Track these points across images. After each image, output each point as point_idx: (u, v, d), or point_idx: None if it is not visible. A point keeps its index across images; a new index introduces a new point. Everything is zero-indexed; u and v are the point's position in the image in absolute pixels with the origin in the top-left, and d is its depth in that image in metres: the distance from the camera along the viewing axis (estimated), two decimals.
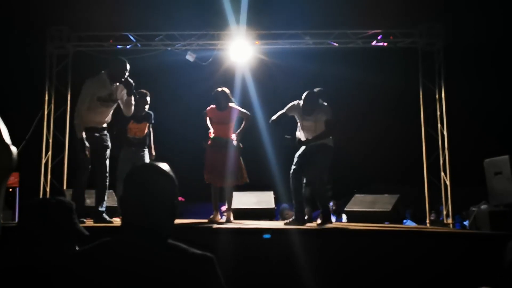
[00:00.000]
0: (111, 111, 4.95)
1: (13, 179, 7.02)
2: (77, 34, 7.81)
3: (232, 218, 5.35)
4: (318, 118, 4.99)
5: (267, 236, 3.81)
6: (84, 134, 4.60)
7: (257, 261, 3.76)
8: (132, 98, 4.88)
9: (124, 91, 4.82)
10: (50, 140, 7.50)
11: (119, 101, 4.90)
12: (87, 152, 4.60)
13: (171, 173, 1.50)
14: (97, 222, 4.80)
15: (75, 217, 1.91)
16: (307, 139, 5.05)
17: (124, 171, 5.58)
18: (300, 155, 5.08)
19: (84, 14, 8.01)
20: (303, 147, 5.10)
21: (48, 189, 7.28)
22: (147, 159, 5.77)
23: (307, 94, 5.03)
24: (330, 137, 5.05)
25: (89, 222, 4.83)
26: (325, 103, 5.08)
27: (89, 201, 6.23)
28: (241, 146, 5.33)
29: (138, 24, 8.07)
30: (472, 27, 9.01)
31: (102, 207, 4.90)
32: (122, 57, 4.84)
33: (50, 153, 7.48)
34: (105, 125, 4.87)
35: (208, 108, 5.38)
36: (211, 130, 5.30)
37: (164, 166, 1.51)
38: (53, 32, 7.71)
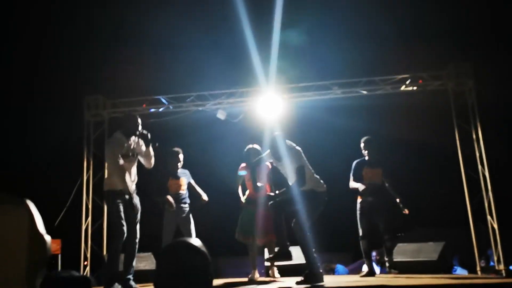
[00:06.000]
0: (135, 169, 5.03)
1: (55, 246, 7.14)
2: (111, 101, 8.12)
3: (277, 275, 5.22)
4: (288, 164, 4.53)
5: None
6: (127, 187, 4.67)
7: None
8: (151, 149, 4.96)
9: (142, 144, 4.90)
10: (90, 206, 7.66)
11: (139, 156, 4.98)
12: (137, 206, 4.67)
13: (203, 249, 1.51)
14: None
15: None
16: (275, 193, 4.67)
17: (169, 233, 5.59)
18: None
19: (117, 81, 8.37)
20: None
21: (88, 255, 7.36)
22: (189, 215, 5.79)
23: (270, 140, 4.64)
24: (307, 183, 4.43)
25: None
26: (297, 147, 4.61)
27: (143, 264, 6.32)
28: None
29: (169, 87, 8.35)
30: (502, 62, 8.88)
31: (129, 273, 4.85)
32: (132, 113, 5.08)
33: (90, 218, 7.62)
34: (134, 186, 4.92)
35: (241, 167, 5.35)
36: (246, 193, 5.26)
37: (197, 242, 1.52)
38: (90, 101, 8.06)
